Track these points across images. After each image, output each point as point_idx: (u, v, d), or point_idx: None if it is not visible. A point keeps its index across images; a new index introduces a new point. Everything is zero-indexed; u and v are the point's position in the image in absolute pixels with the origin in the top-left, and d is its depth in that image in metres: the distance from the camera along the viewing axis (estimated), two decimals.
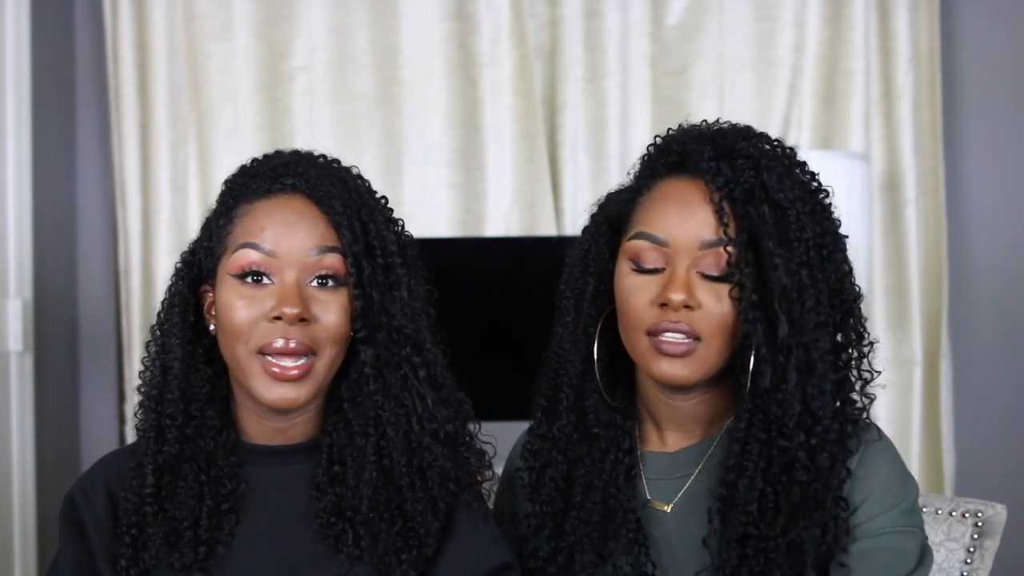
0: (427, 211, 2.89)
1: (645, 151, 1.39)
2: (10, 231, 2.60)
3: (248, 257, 1.28)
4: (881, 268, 2.89)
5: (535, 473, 1.40)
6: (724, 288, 1.27)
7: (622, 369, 1.39)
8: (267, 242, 1.28)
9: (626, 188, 1.40)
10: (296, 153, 1.37)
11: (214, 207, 1.38)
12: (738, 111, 2.86)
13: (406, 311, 1.31)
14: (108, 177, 2.94)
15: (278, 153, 1.37)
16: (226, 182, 1.37)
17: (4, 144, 2.61)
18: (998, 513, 1.60)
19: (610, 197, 1.42)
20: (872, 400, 1.33)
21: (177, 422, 1.32)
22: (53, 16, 2.83)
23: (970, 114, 2.96)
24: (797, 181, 1.31)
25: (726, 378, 1.33)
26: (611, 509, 1.34)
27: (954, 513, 1.61)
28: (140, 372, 1.37)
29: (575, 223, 2.86)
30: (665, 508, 1.36)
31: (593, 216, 1.42)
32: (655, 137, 1.39)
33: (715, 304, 1.27)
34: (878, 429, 1.34)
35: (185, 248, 1.39)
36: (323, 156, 1.37)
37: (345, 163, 1.38)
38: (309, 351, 1.27)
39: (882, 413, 2.79)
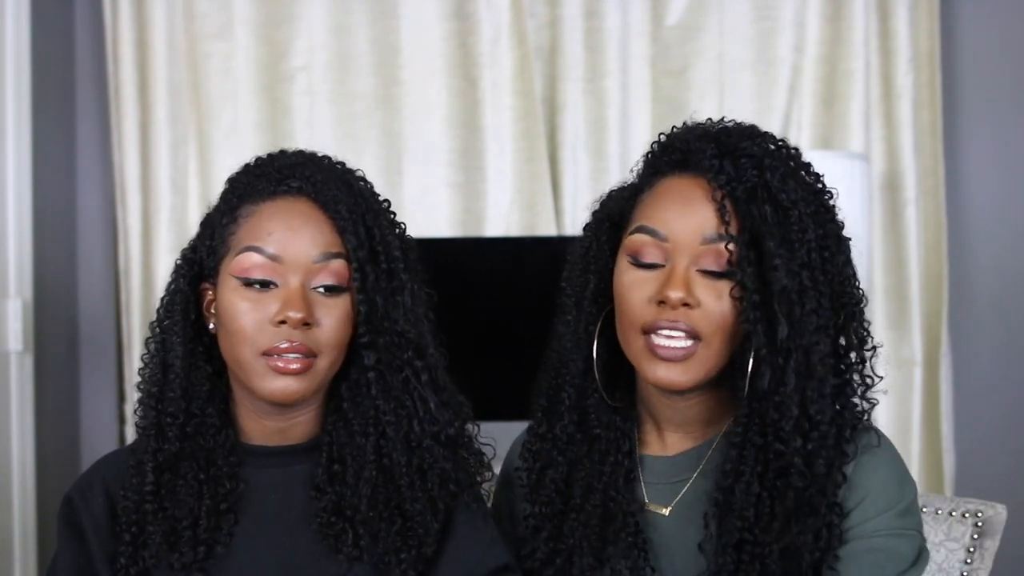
0: (427, 211, 2.89)
1: (648, 149, 1.38)
2: (10, 231, 2.60)
3: (252, 260, 1.28)
4: (881, 268, 2.89)
5: (535, 474, 1.39)
6: (724, 287, 1.26)
7: (622, 369, 1.38)
8: (272, 246, 1.28)
9: (628, 186, 1.39)
10: (301, 154, 1.36)
11: (216, 204, 1.37)
12: (738, 111, 2.83)
13: (408, 316, 1.31)
14: (108, 177, 2.94)
15: (283, 153, 1.37)
16: (230, 180, 1.37)
17: (4, 144, 2.61)
18: (998, 513, 1.60)
19: (612, 194, 1.41)
20: (873, 405, 1.32)
21: (178, 420, 1.32)
22: (53, 16, 2.83)
23: (970, 114, 2.96)
24: (801, 182, 1.30)
25: (726, 380, 1.32)
26: (610, 512, 1.33)
27: (954, 513, 1.61)
28: (140, 369, 1.37)
29: (575, 223, 2.86)
30: (663, 511, 1.35)
31: (594, 213, 1.41)
32: (659, 135, 1.38)
33: (714, 303, 1.26)
34: (878, 433, 1.32)
35: (185, 247, 1.39)
36: (328, 158, 1.37)
37: (345, 163, 1.38)
38: (311, 353, 1.27)
39: (882, 413, 2.79)
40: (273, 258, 1.28)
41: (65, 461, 2.85)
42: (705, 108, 2.87)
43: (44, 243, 2.72)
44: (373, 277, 1.30)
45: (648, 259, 1.29)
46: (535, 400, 1.41)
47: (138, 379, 1.37)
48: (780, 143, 1.32)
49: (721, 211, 1.26)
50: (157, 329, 1.35)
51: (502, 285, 2.66)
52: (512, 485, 1.45)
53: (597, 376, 1.35)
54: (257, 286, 1.28)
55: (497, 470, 1.44)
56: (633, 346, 1.29)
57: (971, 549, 1.58)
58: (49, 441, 2.74)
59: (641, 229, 1.30)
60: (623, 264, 1.31)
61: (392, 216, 1.36)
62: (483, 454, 1.37)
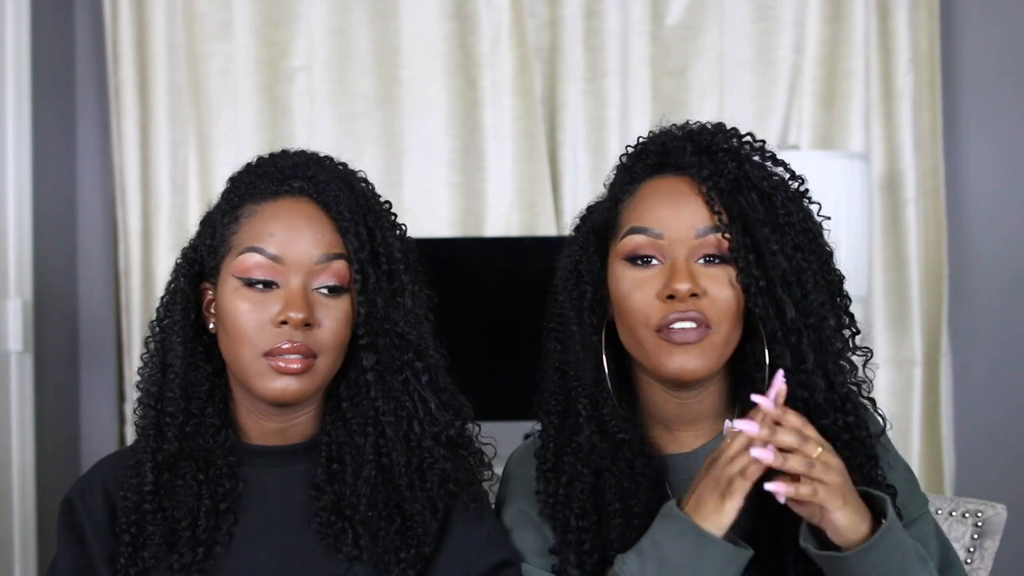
0: (427, 211, 2.88)
1: (619, 160, 1.40)
2: (10, 231, 2.60)
3: (254, 261, 1.28)
4: (881, 268, 2.89)
5: (563, 488, 1.35)
6: (723, 275, 1.29)
7: (622, 378, 1.39)
8: (273, 247, 1.28)
9: (606, 197, 1.41)
10: (303, 154, 1.36)
11: (216, 203, 1.37)
12: (738, 111, 2.86)
13: (409, 318, 1.32)
14: (108, 177, 2.94)
15: (284, 153, 1.36)
16: (231, 180, 1.37)
17: (4, 144, 2.61)
18: (998, 513, 1.60)
19: (591, 208, 1.44)
20: (872, 379, 1.35)
21: (177, 420, 1.32)
22: (53, 16, 2.83)
23: (970, 114, 2.96)
24: (773, 171, 1.34)
25: (729, 372, 1.34)
26: (654, 513, 1.31)
27: (954, 513, 1.61)
28: (139, 369, 1.37)
29: (570, 227, 2.86)
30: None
31: (578, 228, 1.43)
32: (626, 147, 1.40)
33: (719, 290, 1.28)
34: (885, 420, 1.37)
35: (185, 246, 1.39)
36: (330, 158, 1.37)
37: (347, 164, 1.38)
38: (312, 354, 1.27)
39: (882, 412, 2.79)
40: (275, 259, 1.28)
41: (65, 461, 2.85)
42: (705, 108, 2.88)
43: (44, 243, 2.72)
44: (374, 279, 1.30)
45: (646, 252, 1.30)
46: (543, 418, 1.39)
47: (138, 379, 1.37)
48: (748, 135, 1.35)
49: (710, 203, 1.29)
50: (157, 328, 1.35)
51: (502, 285, 2.66)
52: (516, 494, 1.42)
53: (609, 383, 1.36)
54: (260, 286, 1.28)
55: (498, 470, 1.43)
56: (647, 345, 1.30)
57: (971, 549, 1.58)
58: (49, 441, 2.74)
59: (634, 230, 1.31)
60: (619, 269, 1.32)
61: (393, 217, 1.36)
62: (483, 454, 1.37)
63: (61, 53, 2.90)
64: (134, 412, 1.36)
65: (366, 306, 1.29)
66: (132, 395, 2.82)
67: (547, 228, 2.88)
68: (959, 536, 1.59)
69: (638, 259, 1.30)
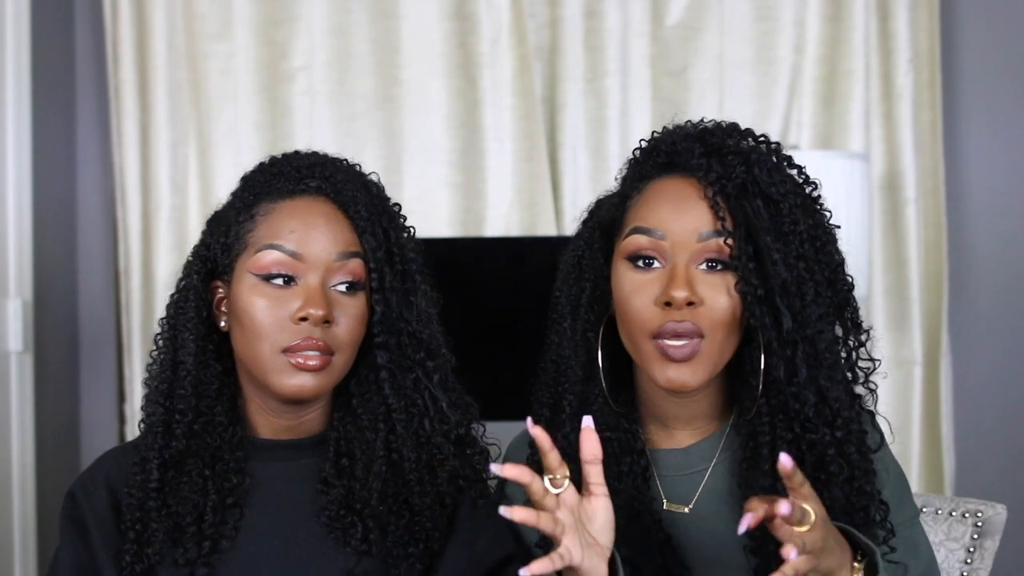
0: (427, 211, 2.88)
1: (631, 154, 1.40)
2: (10, 231, 2.60)
3: (273, 257, 1.29)
4: (881, 268, 2.89)
5: None
6: (723, 282, 1.28)
7: (621, 372, 1.39)
8: (292, 243, 1.29)
9: (615, 193, 1.40)
10: (317, 155, 1.38)
11: (228, 202, 1.38)
12: (738, 111, 2.86)
13: (421, 317, 1.34)
14: (108, 177, 2.94)
15: (298, 154, 1.38)
16: (244, 179, 1.38)
17: (4, 144, 2.61)
18: (998, 513, 1.60)
19: (600, 203, 1.43)
20: (874, 390, 1.34)
21: (187, 418, 1.33)
22: (53, 16, 2.83)
23: (970, 114, 2.96)
24: (786, 175, 1.32)
25: (728, 374, 1.34)
26: (635, 511, 1.33)
27: (954, 513, 1.61)
28: (148, 366, 1.38)
29: (575, 223, 2.86)
30: (684, 510, 1.36)
31: (585, 222, 1.44)
32: (640, 140, 1.39)
33: (716, 298, 1.27)
34: (881, 433, 1.36)
35: (187, 247, 1.39)
36: (344, 160, 1.39)
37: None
38: (329, 350, 1.28)
39: (882, 413, 2.79)
40: (294, 255, 1.29)
41: (65, 461, 2.85)
42: (705, 108, 2.87)
43: (44, 243, 2.72)
44: (389, 278, 1.32)
45: (647, 253, 1.29)
46: (535, 411, 1.40)
47: (145, 375, 1.37)
48: (761, 138, 1.34)
49: (715, 208, 1.28)
50: (167, 326, 1.36)
51: (502, 285, 2.66)
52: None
53: (603, 381, 1.36)
54: (281, 281, 1.29)
55: None
56: (642, 350, 1.30)
57: (971, 549, 1.59)
58: (49, 441, 2.74)
59: (637, 231, 1.31)
60: (621, 269, 1.32)
61: (404, 218, 1.38)
62: (488, 452, 1.39)
63: (61, 53, 2.90)
64: (141, 409, 1.37)
65: (381, 305, 1.31)
66: (132, 395, 2.83)
67: (547, 228, 2.88)
68: (959, 536, 1.59)
69: (639, 260, 1.30)
